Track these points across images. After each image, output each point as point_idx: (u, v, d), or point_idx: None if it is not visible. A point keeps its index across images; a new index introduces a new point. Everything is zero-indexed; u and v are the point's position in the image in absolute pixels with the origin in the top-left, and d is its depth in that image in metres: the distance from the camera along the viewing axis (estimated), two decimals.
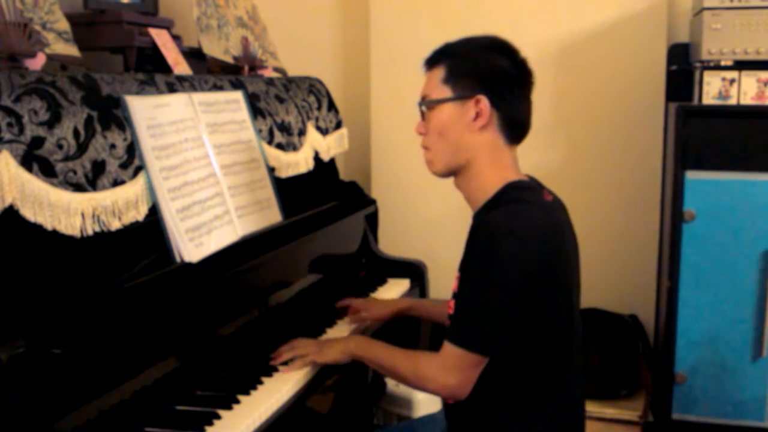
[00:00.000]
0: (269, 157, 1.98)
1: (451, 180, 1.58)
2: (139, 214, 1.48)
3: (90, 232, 1.36)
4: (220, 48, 2.20)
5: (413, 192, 3.00)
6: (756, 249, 2.36)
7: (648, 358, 2.76)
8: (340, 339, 1.69)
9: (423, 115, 1.53)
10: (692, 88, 2.50)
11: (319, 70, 2.61)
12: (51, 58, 1.64)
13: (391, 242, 2.78)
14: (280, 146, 2.06)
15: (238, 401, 1.44)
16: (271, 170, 1.97)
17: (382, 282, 2.27)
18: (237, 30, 2.31)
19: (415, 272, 2.34)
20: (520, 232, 1.37)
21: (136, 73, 1.69)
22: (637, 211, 2.80)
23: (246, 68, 2.30)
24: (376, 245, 2.43)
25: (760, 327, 2.37)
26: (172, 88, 1.72)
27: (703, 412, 2.45)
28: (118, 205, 1.43)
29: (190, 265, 1.54)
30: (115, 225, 1.42)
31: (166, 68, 2.01)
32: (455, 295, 1.45)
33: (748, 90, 2.40)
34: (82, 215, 1.34)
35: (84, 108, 1.41)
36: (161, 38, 2.04)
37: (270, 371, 1.57)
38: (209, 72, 2.23)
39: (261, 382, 1.52)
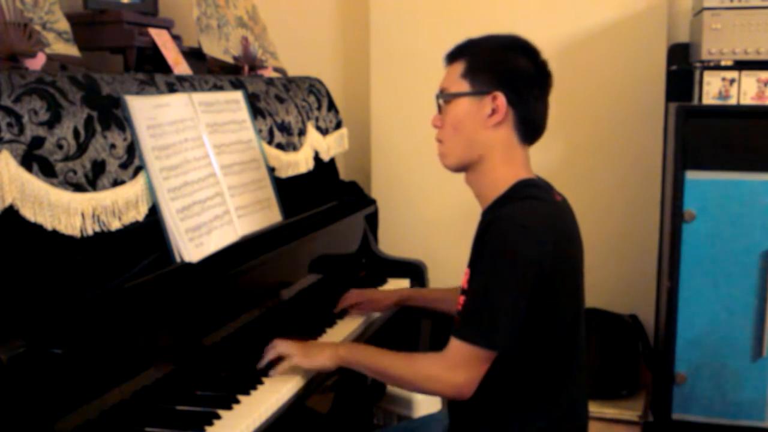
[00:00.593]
0: (269, 157, 1.98)
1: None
2: (139, 214, 1.48)
3: (90, 232, 1.36)
4: (220, 48, 2.20)
5: (413, 192, 3.00)
6: (756, 249, 2.36)
7: (648, 358, 2.76)
8: (330, 343, 1.64)
9: (440, 108, 1.54)
10: (692, 88, 2.50)
11: (319, 70, 2.61)
12: (51, 58, 1.64)
13: (391, 242, 2.78)
14: (280, 146, 2.06)
15: (238, 401, 1.43)
16: (271, 170, 1.97)
17: (382, 282, 2.27)
18: (237, 30, 2.31)
19: (415, 272, 2.34)
20: (532, 227, 1.38)
21: (136, 73, 1.69)
22: (637, 211, 2.80)
23: (246, 68, 2.30)
24: (376, 245, 2.43)
25: (760, 327, 2.37)
26: (172, 88, 1.72)
27: (703, 412, 2.45)
28: (118, 205, 1.43)
29: (190, 265, 1.54)
30: (115, 225, 1.42)
31: (166, 68, 2.01)
32: (465, 292, 1.45)
33: (748, 90, 2.40)
34: (82, 215, 1.34)
35: (84, 108, 1.41)
36: (161, 38, 2.04)
37: (270, 371, 1.57)
38: (209, 72, 2.23)
39: (261, 382, 1.52)
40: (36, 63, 1.57)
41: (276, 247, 1.83)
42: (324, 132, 2.35)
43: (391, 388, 2.56)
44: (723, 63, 2.41)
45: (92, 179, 1.39)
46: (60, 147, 1.33)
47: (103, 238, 1.39)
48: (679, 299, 2.41)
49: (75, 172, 1.35)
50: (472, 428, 1.50)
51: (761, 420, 2.41)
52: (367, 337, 1.93)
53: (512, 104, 1.47)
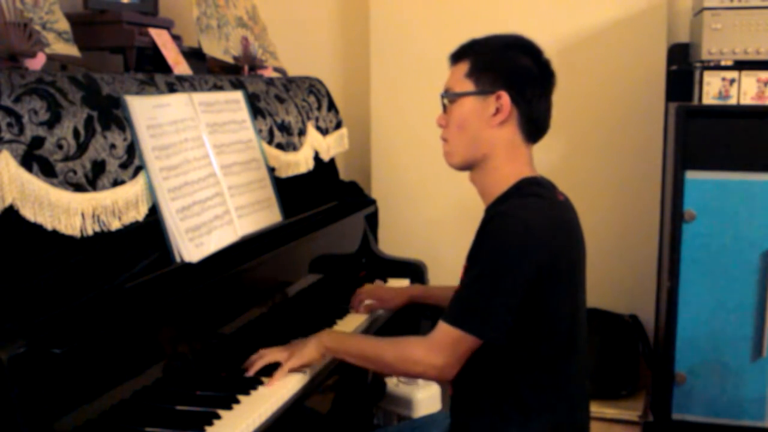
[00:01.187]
0: (269, 157, 1.98)
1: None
2: (139, 214, 1.48)
3: (90, 232, 1.36)
4: (220, 48, 2.20)
5: (413, 192, 3.00)
6: (756, 249, 2.36)
7: (648, 358, 2.76)
8: (311, 337, 1.60)
9: (445, 107, 1.55)
10: (692, 88, 2.50)
11: (319, 70, 2.61)
12: (51, 58, 1.64)
13: (391, 242, 2.78)
14: (280, 146, 2.06)
15: (238, 401, 1.43)
16: (271, 170, 1.97)
17: (382, 282, 2.27)
18: (237, 30, 2.31)
19: (415, 272, 2.34)
20: (532, 224, 1.39)
21: (136, 73, 1.69)
22: (637, 211, 2.80)
23: (246, 68, 2.30)
24: (376, 245, 2.43)
25: (760, 327, 2.37)
26: (172, 88, 1.72)
27: (703, 412, 2.45)
28: (118, 205, 1.43)
29: (190, 265, 1.53)
30: (115, 225, 1.42)
31: (166, 68, 2.01)
32: (460, 281, 1.46)
33: (748, 90, 2.40)
34: (82, 215, 1.34)
35: (84, 108, 1.41)
36: (161, 38, 2.04)
37: (270, 371, 1.57)
38: (209, 72, 2.23)
39: (261, 382, 1.52)
40: (36, 63, 1.57)
41: (276, 247, 1.83)
42: (324, 132, 2.35)
43: (392, 388, 2.56)
44: (723, 63, 2.41)
45: (92, 179, 1.39)
46: (60, 147, 1.33)
47: (103, 238, 1.39)
48: (679, 299, 2.41)
49: (75, 172, 1.35)
50: (472, 428, 1.51)
51: (761, 420, 2.41)
52: (374, 331, 1.93)
53: (516, 103, 1.48)
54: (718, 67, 2.41)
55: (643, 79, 2.73)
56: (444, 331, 1.42)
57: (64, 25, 1.71)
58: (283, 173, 2.04)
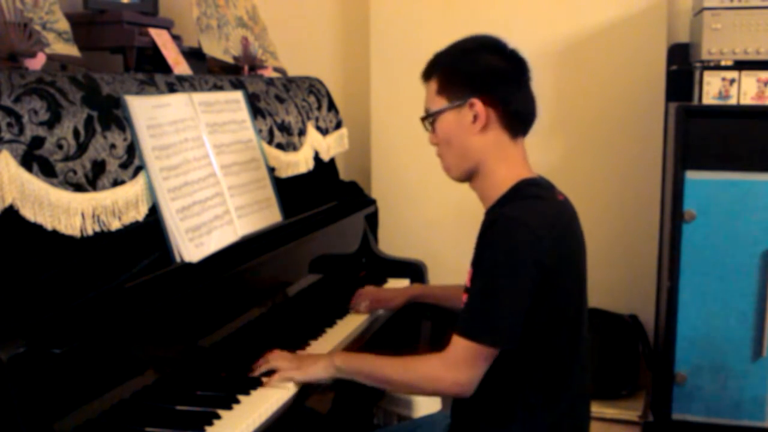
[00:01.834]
0: (269, 157, 1.98)
1: (450, 180, 1.59)
2: (139, 214, 1.48)
3: (90, 232, 1.36)
4: (220, 48, 2.20)
5: (413, 192, 3.00)
6: (756, 249, 2.36)
7: (648, 358, 2.76)
8: (323, 355, 1.61)
9: (432, 126, 1.56)
10: (692, 88, 2.50)
11: (319, 70, 2.62)
12: (51, 58, 1.64)
13: (391, 242, 2.78)
14: (280, 146, 2.06)
15: (238, 401, 1.43)
16: (271, 170, 1.97)
17: (382, 282, 2.27)
18: (237, 30, 2.31)
19: (415, 272, 2.34)
20: (534, 225, 1.38)
21: (136, 73, 1.69)
22: (637, 211, 2.80)
23: (246, 68, 2.30)
24: (376, 245, 2.43)
25: (760, 327, 2.37)
26: (172, 88, 1.72)
27: (703, 412, 2.45)
28: (118, 205, 1.43)
29: (190, 265, 1.54)
30: (115, 225, 1.42)
31: (166, 68, 2.01)
32: (468, 290, 1.45)
33: (748, 90, 2.40)
34: (82, 215, 1.34)
35: (84, 108, 1.41)
36: (161, 38, 2.04)
37: (270, 371, 1.57)
38: (209, 72, 2.23)
39: (261, 383, 1.52)
40: (36, 63, 1.57)
41: (276, 247, 1.83)
42: (324, 132, 2.35)
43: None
44: (723, 63, 2.41)
45: (92, 179, 1.39)
46: (60, 147, 1.33)
47: (103, 238, 1.39)
48: (679, 299, 2.41)
49: (75, 172, 1.35)
50: (472, 428, 1.51)
51: (761, 420, 2.41)
52: (367, 338, 1.93)
53: (491, 105, 1.48)
54: (718, 67, 2.41)
55: (643, 79, 2.73)
56: (461, 345, 1.40)
57: (64, 25, 1.71)
58: (283, 173, 2.04)
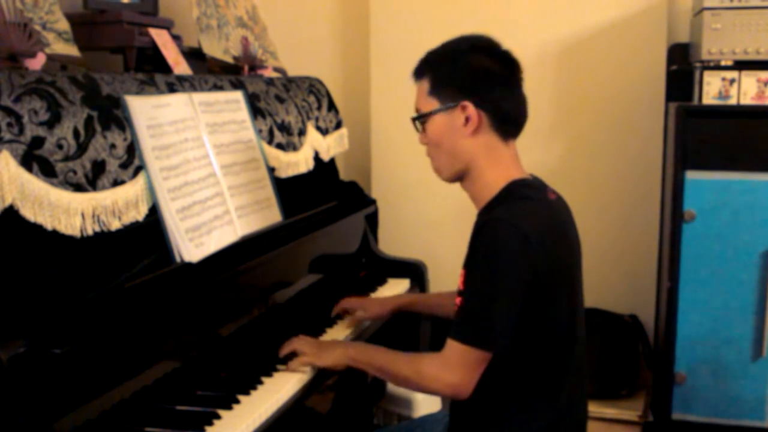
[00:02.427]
0: (269, 157, 1.98)
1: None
2: (139, 214, 1.48)
3: (90, 232, 1.36)
4: (220, 48, 2.20)
5: (413, 192, 3.00)
6: (756, 249, 2.36)
7: (648, 358, 2.76)
8: (340, 343, 1.68)
9: (423, 126, 1.55)
10: (692, 88, 2.50)
11: (319, 70, 2.62)
12: (51, 58, 1.64)
13: (391, 242, 2.78)
14: (280, 146, 2.06)
15: (238, 401, 1.43)
16: (271, 170, 1.97)
17: (382, 282, 2.27)
18: (237, 30, 2.31)
19: (415, 272, 2.34)
20: (524, 228, 1.37)
21: (136, 73, 1.69)
22: (637, 211, 2.80)
23: (246, 68, 2.30)
24: (376, 245, 2.43)
25: (760, 327, 2.37)
26: (172, 88, 1.72)
27: (703, 412, 2.45)
28: (118, 205, 1.43)
29: (190, 265, 1.54)
30: (115, 225, 1.42)
31: (166, 68, 2.01)
32: (461, 293, 1.45)
33: (748, 90, 2.40)
34: (82, 215, 1.34)
35: (84, 108, 1.41)
36: (161, 38, 2.04)
37: (270, 371, 1.57)
38: (209, 72, 2.23)
39: (261, 382, 1.52)
40: (36, 63, 1.57)
41: (276, 247, 1.83)
42: (324, 132, 2.35)
43: (392, 388, 2.56)
44: (723, 63, 2.41)
45: (92, 179, 1.39)
46: (60, 147, 1.33)
47: (103, 238, 1.39)
48: (679, 299, 2.41)
49: (75, 172, 1.35)
50: (471, 428, 1.51)
51: (761, 420, 2.41)
52: (367, 337, 1.93)
53: (482, 108, 1.47)
54: (718, 67, 2.41)
55: (643, 79, 2.73)
56: (454, 348, 1.41)
57: (64, 25, 1.71)
58: (283, 173, 2.04)
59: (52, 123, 1.33)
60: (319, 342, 1.68)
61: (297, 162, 2.12)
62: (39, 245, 1.29)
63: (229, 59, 2.23)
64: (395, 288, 2.25)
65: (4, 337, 1.11)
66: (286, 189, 2.01)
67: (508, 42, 1.53)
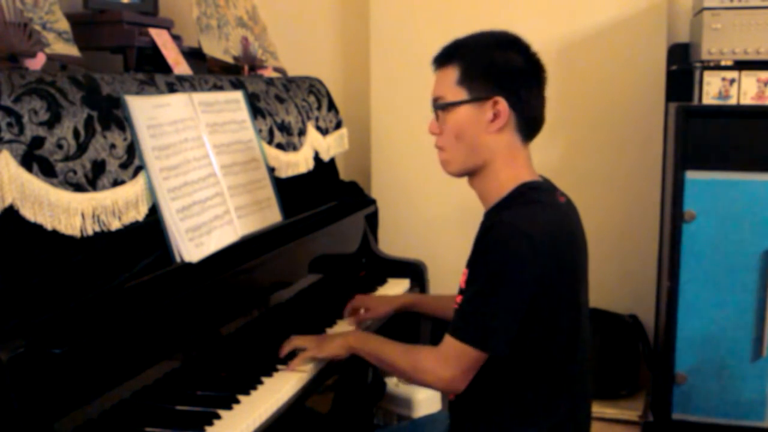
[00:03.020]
0: (269, 157, 1.98)
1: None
2: (139, 214, 1.48)
3: (90, 232, 1.36)
4: (220, 48, 2.20)
5: (413, 192, 3.00)
6: (756, 249, 2.36)
7: (648, 358, 2.77)
8: (340, 333, 1.70)
9: (437, 115, 1.51)
10: (692, 88, 2.50)
11: (319, 70, 2.61)
12: (51, 58, 1.64)
13: (391, 242, 2.78)
14: (280, 146, 2.06)
15: (238, 401, 1.43)
16: (271, 170, 1.97)
17: (382, 282, 2.27)
18: (237, 30, 2.31)
19: (415, 272, 2.34)
20: (533, 234, 1.36)
21: (136, 73, 1.69)
22: (637, 211, 2.80)
23: (246, 68, 2.30)
24: (376, 245, 2.43)
25: (760, 327, 2.37)
26: (172, 88, 1.72)
27: (703, 412, 2.45)
28: (118, 205, 1.43)
29: (190, 265, 1.54)
30: (115, 225, 1.42)
31: (166, 68, 2.01)
32: (462, 291, 1.45)
33: (748, 90, 2.40)
34: (82, 215, 1.34)
35: (84, 108, 1.41)
36: (161, 38, 2.04)
37: (270, 371, 1.57)
38: (209, 72, 2.23)
39: (261, 382, 1.52)
40: (36, 63, 1.57)
41: (276, 247, 1.83)
42: (324, 132, 2.35)
43: (392, 388, 2.56)
44: (723, 63, 2.41)
45: (92, 179, 1.39)
46: (60, 147, 1.33)
47: (103, 238, 1.39)
48: (679, 299, 2.41)
49: (75, 172, 1.35)
50: (472, 429, 1.51)
51: (761, 420, 2.41)
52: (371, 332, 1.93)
53: (513, 107, 1.44)
54: (718, 67, 2.42)
55: (643, 79, 2.74)
56: (449, 344, 1.41)
57: (64, 25, 1.71)
58: (283, 173, 2.04)
59: (52, 123, 1.33)
60: (318, 336, 1.69)
61: (297, 162, 2.12)
62: (39, 245, 1.29)
63: (229, 59, 2.23)
64: (395, 288, 2.25)
65: (4, 337, 1.11)
66: (286, 189, 2.01)
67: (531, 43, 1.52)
